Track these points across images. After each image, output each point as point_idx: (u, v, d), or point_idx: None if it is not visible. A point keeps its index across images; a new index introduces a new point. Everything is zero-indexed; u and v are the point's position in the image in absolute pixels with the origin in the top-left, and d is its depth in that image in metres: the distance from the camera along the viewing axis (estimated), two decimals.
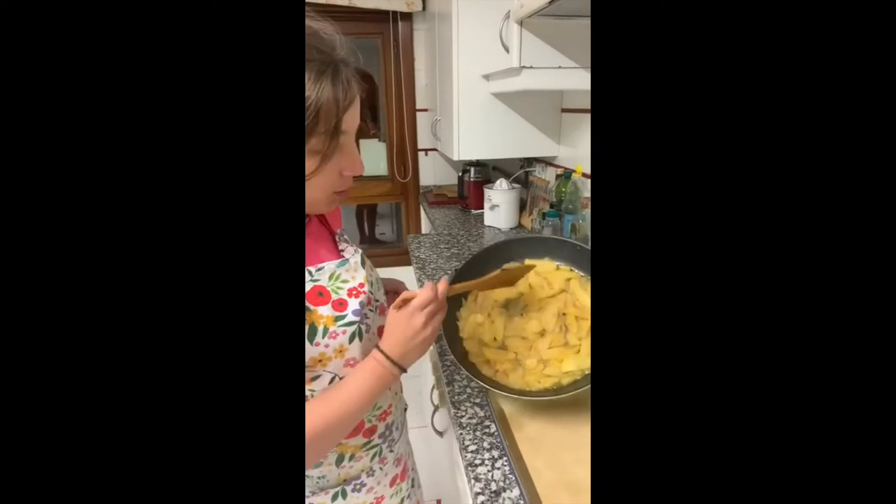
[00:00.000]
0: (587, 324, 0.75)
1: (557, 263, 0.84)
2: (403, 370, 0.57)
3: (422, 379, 1.80)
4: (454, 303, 0.82)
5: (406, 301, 0.57)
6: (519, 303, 0.83)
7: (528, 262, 0.84)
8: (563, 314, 0.77)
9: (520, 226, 1.76)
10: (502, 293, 0.82)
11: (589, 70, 1.25)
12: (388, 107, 2.28)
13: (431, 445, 1.79)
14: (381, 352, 0.55)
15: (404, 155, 2.34)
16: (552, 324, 0.76)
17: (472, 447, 0.68)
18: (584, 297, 0.76)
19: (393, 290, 0.74)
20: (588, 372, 0.71)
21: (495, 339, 0.79)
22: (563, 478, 0.61)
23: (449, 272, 0.74)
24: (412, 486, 0.77)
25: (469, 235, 1.71)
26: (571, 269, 0.82)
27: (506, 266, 0.83)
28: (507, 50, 1.26)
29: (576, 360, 0.72)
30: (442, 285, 0.59)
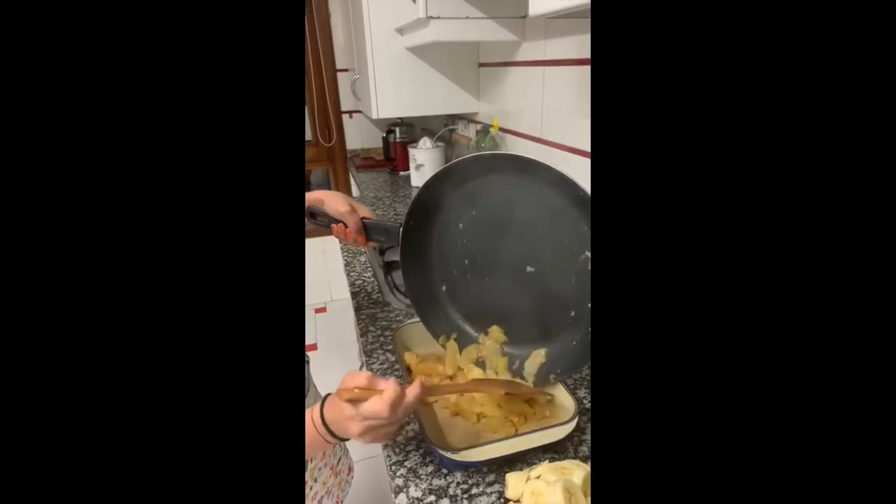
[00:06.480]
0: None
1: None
2: (344, 439, 0.49)
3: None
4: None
5: (355, 398, 0.44)
6: None
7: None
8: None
9: None
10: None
11: (497, 20, 1.25)
12: (306, 67, 2.18)
13: None
14: (322, 418, 0.47)
15: (327, 117, 2.26)
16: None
17: None
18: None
19: (316, 200, 0.74)
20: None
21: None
22: (461, 403, 0.65)
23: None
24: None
25: (395, 197, 1.70)
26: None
27: (487, 376, 0.66)
28: (413, 0, 1.22)
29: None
30: (412, 392, 0.46)
